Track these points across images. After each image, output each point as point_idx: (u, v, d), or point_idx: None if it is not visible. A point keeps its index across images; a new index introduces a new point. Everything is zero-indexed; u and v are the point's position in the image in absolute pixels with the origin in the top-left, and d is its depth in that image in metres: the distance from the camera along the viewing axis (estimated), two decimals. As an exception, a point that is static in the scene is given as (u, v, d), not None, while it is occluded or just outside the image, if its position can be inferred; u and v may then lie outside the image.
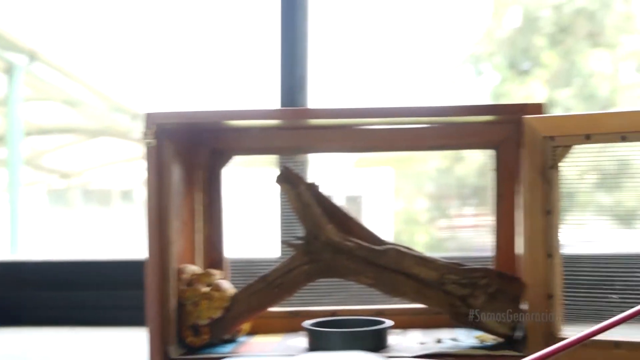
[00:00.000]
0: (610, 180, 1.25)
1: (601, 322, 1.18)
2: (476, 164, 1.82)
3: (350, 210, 1.33)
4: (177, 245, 1.24)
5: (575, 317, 1.22)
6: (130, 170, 3.28)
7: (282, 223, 1.51)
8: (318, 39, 1.74)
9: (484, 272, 1.24)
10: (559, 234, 1.15)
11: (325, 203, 1.30)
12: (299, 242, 1.26)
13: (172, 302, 1.22)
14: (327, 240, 1.25)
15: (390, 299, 1.39)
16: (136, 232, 2.99)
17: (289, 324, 1.41)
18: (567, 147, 1.14)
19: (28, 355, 1.38)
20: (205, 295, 1.25)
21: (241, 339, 1.35)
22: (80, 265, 1.69)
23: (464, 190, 1.97)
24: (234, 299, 1.27)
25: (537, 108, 1.17)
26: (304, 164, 1.51)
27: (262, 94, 1.83)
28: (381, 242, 1.29)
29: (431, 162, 1.70)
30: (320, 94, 1.76)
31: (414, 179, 1.63)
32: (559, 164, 1.14)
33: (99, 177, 3.34)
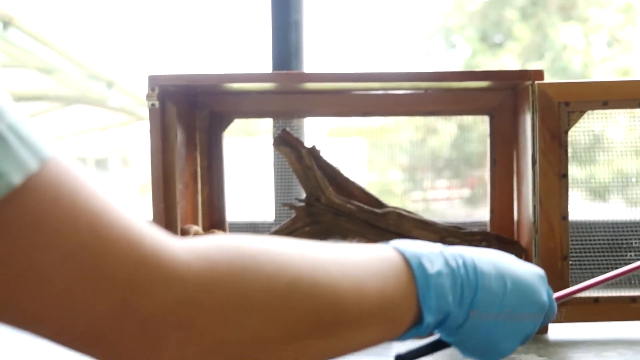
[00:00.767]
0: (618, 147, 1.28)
1: (609, 285, 1.22)
2: (449, 136, 1.84)
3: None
4: (180, 206, 1.25)
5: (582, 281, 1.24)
6: (105, 138, 3.27)
7: (278, 186, 1.52)
8: (311, 7, 1.75)
9: (483, 235, 1.26)
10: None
11: (324, 166, 1.31)
12: (301, 204, 1.27)
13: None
14: (328, 202, 1.26)
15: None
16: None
17: (290, 286, 1.42)
18: (581, 113, 1.16)
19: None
20: None
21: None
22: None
23: (437, 163, 1.98)
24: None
25: (539, 74, 1.19)
26: (300, 128, 1.52)
27: (258, 61, 1.84)
28: (381, 205, 1.31)
29: (404, 134, 1.71)
30: (315, 62, 1.76)
31: (387, 151, 1.63)
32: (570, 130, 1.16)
33: (73, 145, 3.33)
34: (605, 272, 1.23)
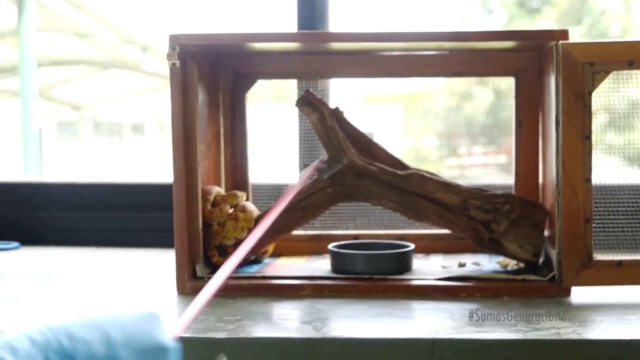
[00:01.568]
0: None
1: (632, 249, 1.21)
2: (485, 101, 1.82)
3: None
4: (201, 166, 1.25)
5: (605, 244, 1.23)
6: (140, 102, 3.28)
7: (302, 148, 1.52)
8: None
9: (507, 198, 1.25)
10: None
11: (348, 128, 1.30)
12: (323, 165, 1.26)
13: (199, 222, 1.23)
14: (350, 164, 1.25)
15: (411, 223, 1.40)
16: (148, 165, 2.99)
17: (312, 247, 1.42)
18: (606, 73, 1.13)
19: (54, 272, 1.39)
20: (231, 216, 1.26)
21: (266, 260, 1.36)
22: (104, 188, 1.70)
23: (473, 129, 1.97)
24: (258, 221, 1.27)
25: (563, 34, 1.17)
26: (325, 90, 1.51)
27: (283, 24, 1.82)
28: (404, 167, 1.30)
29: (439, 100, 1.70)
30: (341, 25, 1.75)
31: (422, 117, 1.62)
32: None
33: (109, 110, 3.34)
34: (628, 236, 1.22)
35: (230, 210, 1.27)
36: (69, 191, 1.70)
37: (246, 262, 1.29)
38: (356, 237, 1.42)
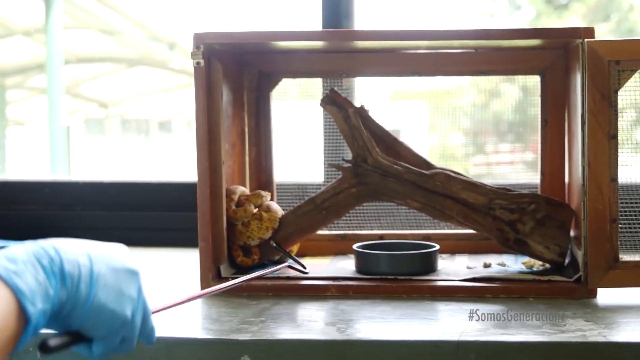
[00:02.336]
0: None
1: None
2: (513, 99, 1.81)
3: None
4: (226, 166, 1.25)
5: (631, 245, 1.22)
6: (168, 100, 3.29)
7: (327, 147, 1.51)
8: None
9: (532, 198, 1.24)
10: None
11: (373, 127, 1.30)
12: (347, 165, 1.26)
13: (223, 222, 1.23)
14: (375, 163, 1.24)
15: (436, 223, 1.40)
16: (175, 161, 3.00)
17: (337, 247, 1.42)
18: (632, 72, 1.12)
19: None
20: (256, 216, 1.26)
21: (290, 260, 1.36)
22: (130, 187, 1.70)
23: (500, 126, 1.96)
24: (283, 220, 1.27)
25: (589, 32, 1.15)
26: (350, 88, 1.50)
27: (309, 22, 1.82)
28: (429, 166, 1.29)
29: (466, 97, 1.69)
30: (366, 23, 1.74)
31: (449, 114, 1.61)
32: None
33: (136, 107, 3.35)
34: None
35: (255, 210, 1.27)
36: (94, 190, 1.71)
37: (270, 262, 1.29)
38: (381, 237, 1.41)
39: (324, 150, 1.52)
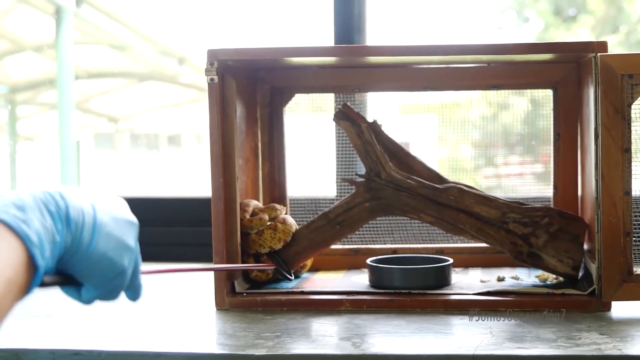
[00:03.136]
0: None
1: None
2: (522, 111, 1.81)
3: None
4: (240, 181, 1.25)
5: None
6: (177, 114, 3.29)
7: (340, 162, 1.52)
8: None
9: (546, 211, 1.24)
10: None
11: (385, 141, 1.30)
12: (361, 179, 1.26)
13: (237, 237, 1.23)
14: (388, 178, 1.25)
15: (449, 237, 1.40)
16: (185, 175, 3.01)
17: (350, 261, 1.42)
18: (646, 86, 1.13)
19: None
20: (271, 226, 1.26)
21: (304, 275, 1.36)
22: (143, 202, 1.70)
23: (509, 138, 1.96)
24: (297, 235, 1.27)
25: (602, 46, 1.16)
26: (362, 103, 1.51)
27: (320, 37, 1.82)
28: (443, 180, 1.29)
29: (475, 110, 1.69)
30: (378, 36, 1.75)
31: (458, 127, 1.62)
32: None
33: (146, 122, 3.36)
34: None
35: (269, 222, 1.27)
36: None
37: (283, 277, 1.30)
38: (394, 251, 1.41)
39: (337, 164, 1.53)
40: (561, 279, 1.26)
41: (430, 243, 1.46)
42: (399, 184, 1.25)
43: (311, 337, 1.06)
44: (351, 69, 1.40)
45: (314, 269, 1.39)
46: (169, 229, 1.68)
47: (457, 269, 1.38)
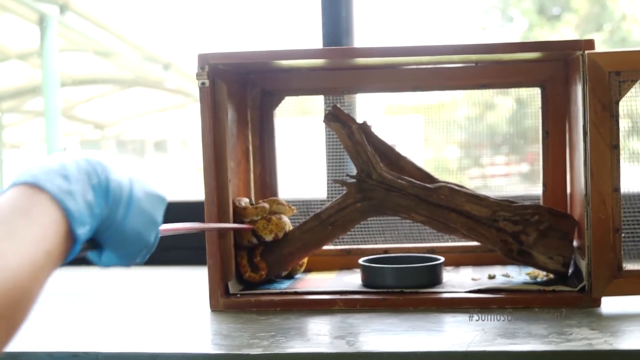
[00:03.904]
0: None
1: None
2: (508, 111, 1.82)
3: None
4: (232, 184, 1.26)
5: (635, 254, 1.23)
6: (163, 120, 3.30)
7: (330, 163, 1.53)
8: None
9: (536, 209, 1.25)
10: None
11: (376, 142, 1.31)
12: (352, 180, 1.27)
13: (230, 240, 1.24)
14: (379, 178, 1.26)
15: (440, 236, 1.41)
16: (172, 180, 3.01)
17: (342, 262, 1.43)
18: (632, 82, 1.14)
19: (87, 292, 1.40)
20: (266, 217, 1.27)
21: (297, 275, 1.37)
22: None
23: (495, 138, 1.97)
24: (289, 236, 1.28)
25: (589, 44, 1.17)
26: (351, 105, 1.52)
27: (308, 39, 1.83)
28: (433, 180, 1.31)
29: (461, 110, 1.70)
30: (366, 38, 1.76)
31: (444, 127, 1.62)
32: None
33: (132, 128, 3.36)
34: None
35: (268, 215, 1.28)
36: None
37: (278, 277, 1.31)
38: (386, 251, 1.42)
39: (327, 166, 1.54)
40: (551, 276, 1.27)
41: (422, 242, 1.47)
42: (390, 184, 1.26)
43: (306, 336, 1.07)
44: (340, 71, 1.42)
45: (307, 269, 1.40)
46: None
47: (448, 268, 1.39)
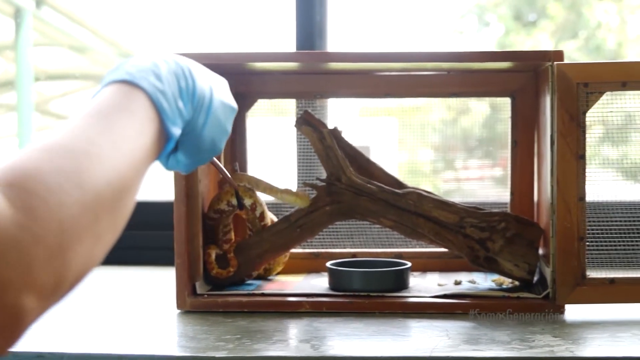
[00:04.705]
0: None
1: (625, 267, 1.23)
2: (482, 115, 1.84)
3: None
4: (202, 184, 1.26)
5: (598, 262, 1.25)
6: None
7: (301, 166, 1.53)
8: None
9: (503, 216, 1.27)
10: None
11: (346, 147, 1.32)
12: (321, 184, 1.28)
13: (199, 240, 1.24)
14: (349, 182, 1.27)
15: (408, 242, 1.42)
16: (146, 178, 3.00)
17: (310, 265, 1.44)
18: (600, 94, 1.16)
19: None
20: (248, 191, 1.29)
21: (270, 277, 1.38)
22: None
23: (469, 142, 1.99)
24: (258, 238, 1.29)
25: (558, 55, 1.19)
26: (323, 107, 1.53)
27: (282, 42, 1.84)
28: (402, 186, 1.32)
29: (436, 113, 1.71)
30: (340, 42, 1.76)
31: (418, 130, 1.63)
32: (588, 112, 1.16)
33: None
34: (621, 254, 1.25)
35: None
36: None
37: (249, 277, 1.31)
38: (354, 255, 1.43)
39: (298, 168, 1.54)
40: (517, 283, 1.29)
41: (390, 247, 1.48)
42: (359, 188, 1.27)
43: (271, 340, 1.07)
44: (313, 75, 1.42)
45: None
46: (130, 232, 1.68)
47: (415, 273, 1.40)
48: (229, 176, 1.19)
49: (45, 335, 1.11)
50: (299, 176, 1.55)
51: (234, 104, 0.89)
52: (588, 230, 1.18)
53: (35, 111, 2.74)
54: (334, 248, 1.48)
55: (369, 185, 1.27)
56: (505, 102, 1.44)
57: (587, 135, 1.16)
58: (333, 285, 1.29)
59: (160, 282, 1.47)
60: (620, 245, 1.27)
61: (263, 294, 1.25)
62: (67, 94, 3.16)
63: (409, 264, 1.31)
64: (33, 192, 0.59)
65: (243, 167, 1.44)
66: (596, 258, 1.24)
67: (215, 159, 1.09)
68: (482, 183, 1.92)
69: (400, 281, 1.28)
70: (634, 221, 1.30)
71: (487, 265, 1.26)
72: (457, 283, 1.32)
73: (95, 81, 3.16)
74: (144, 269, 1.61)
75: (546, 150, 1.21)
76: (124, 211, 0.68)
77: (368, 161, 1.33)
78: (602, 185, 1.23)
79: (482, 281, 1.34)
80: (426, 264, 1.43)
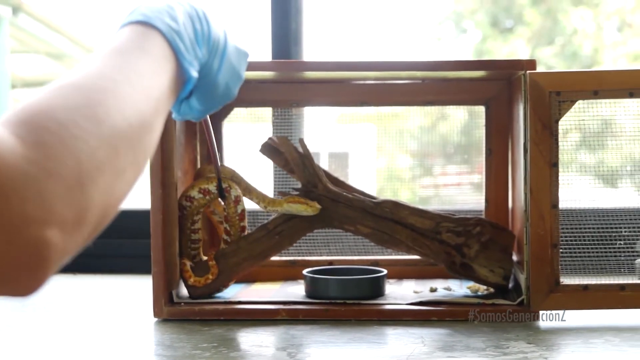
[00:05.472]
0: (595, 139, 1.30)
1: (598, 273, 1.24)
2: (459, 121, 1.85)
3: (337, 168, 1.36)
4: (179, 192, 1.27)
5: (572, 269, 1.26)
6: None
7: (277, 174, 1.54)
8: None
9: (477, 221, 1.28)
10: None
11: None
12: (296, 192, 1.29)
13: (175, 248, 1.25)
14: (325, 190, 1.27)
15: (384, 250, 1.43)
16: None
17: (287, 272, 1.45)
18: (572, 102, 1.17)
19: (31, 300, 1.40)
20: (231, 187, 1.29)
21: (241, 285, 1.38)
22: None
23: (447, 149, 2.00)
24: (236, 246, 1.29)
25: (531, 64, 1.20)
26: (299, 116, 1.53)
27: (258, 49, 1.84)
28: (372, 198, 1.32)
29: (414, 120, 1.72)
30: (315, 50, 1.77)
31: (397, 137, 1.64)
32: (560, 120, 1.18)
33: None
34: (594, 261, 1.26)
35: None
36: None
37: (226, 287, 1.31)
38: (330, 263, 1.44)
39: (274, 177, 1.55)
40: (492, 290, 1.30)
41: (366, 255, 1.48)
42: (335, 195, 1.27)
43: (248, 348, 1.08)
44: (289, 84, 1.43)
45: (251, 280, 1.41)
46: (106, 241, 1.68)
47: (391, 280, 1.41)
48: (216, 154, 1.20)
49: (22, 344, 1.11)
50: (275, 184, 1.56)
51: (246, 49, 0.89)
52: (561, 237, 1.19)
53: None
54: (310, 256, 1.49)
55: (344, 194, 1.28)
56: (482, 109, 1.45)
57: (563, 142, 1.18)
58: (310, 292, 1.29)
59: (137, 291, 1.47)
60: (593, 252, 1.29)
61: (239, 302, 1.26)
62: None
63: (385, 272, 1.32)
64: (45, 128, 0.59)
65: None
66: (570, 265, 1.26)
67: (210, 123, 1.12)
68: (460, 189, 1.93)
69: (376, 288, 1.29)
70: (606, 228, 1.32)
71: (463, 271, 1.27)
72: (433, 290, 1.33)
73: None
74: (120, 278, 1.62)
75: (520, 158, 1.22)
76: (145, 148, 0.68)
77: (337, 180, 1.33)
78: (579, 192, 1.24)
79: (458, 288, 1.35)
80: (402, 272, 1.44)
